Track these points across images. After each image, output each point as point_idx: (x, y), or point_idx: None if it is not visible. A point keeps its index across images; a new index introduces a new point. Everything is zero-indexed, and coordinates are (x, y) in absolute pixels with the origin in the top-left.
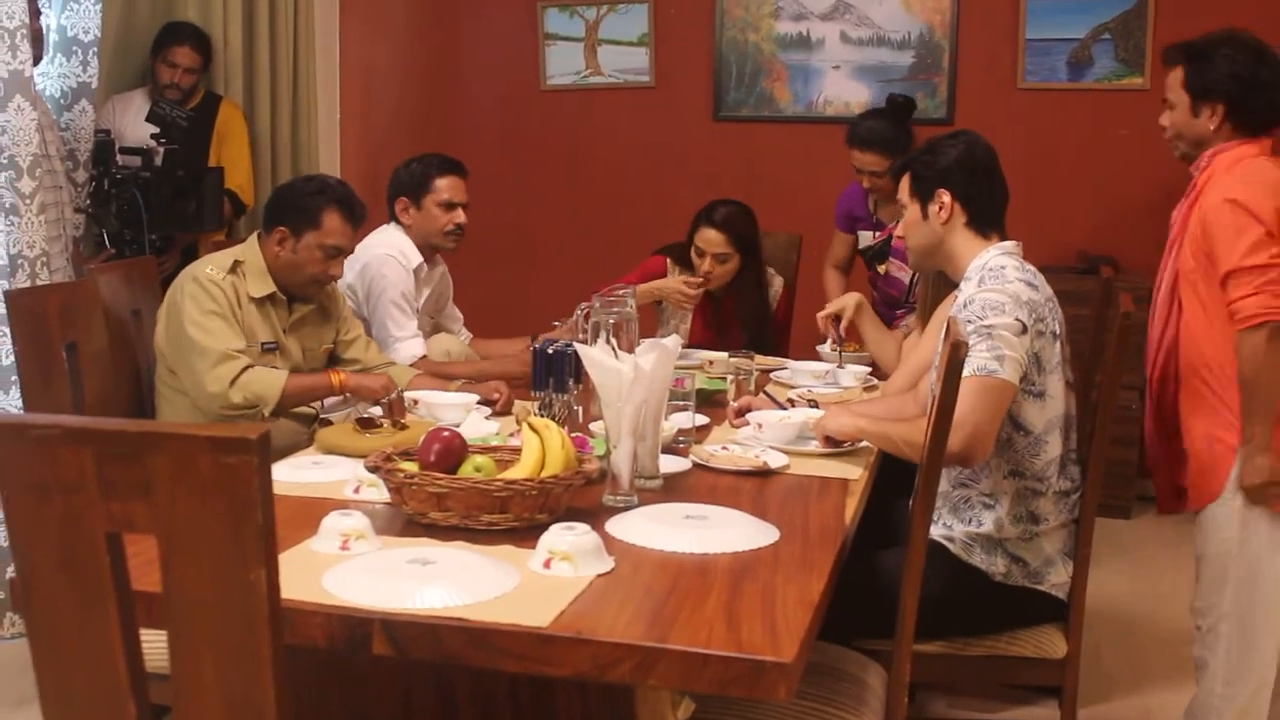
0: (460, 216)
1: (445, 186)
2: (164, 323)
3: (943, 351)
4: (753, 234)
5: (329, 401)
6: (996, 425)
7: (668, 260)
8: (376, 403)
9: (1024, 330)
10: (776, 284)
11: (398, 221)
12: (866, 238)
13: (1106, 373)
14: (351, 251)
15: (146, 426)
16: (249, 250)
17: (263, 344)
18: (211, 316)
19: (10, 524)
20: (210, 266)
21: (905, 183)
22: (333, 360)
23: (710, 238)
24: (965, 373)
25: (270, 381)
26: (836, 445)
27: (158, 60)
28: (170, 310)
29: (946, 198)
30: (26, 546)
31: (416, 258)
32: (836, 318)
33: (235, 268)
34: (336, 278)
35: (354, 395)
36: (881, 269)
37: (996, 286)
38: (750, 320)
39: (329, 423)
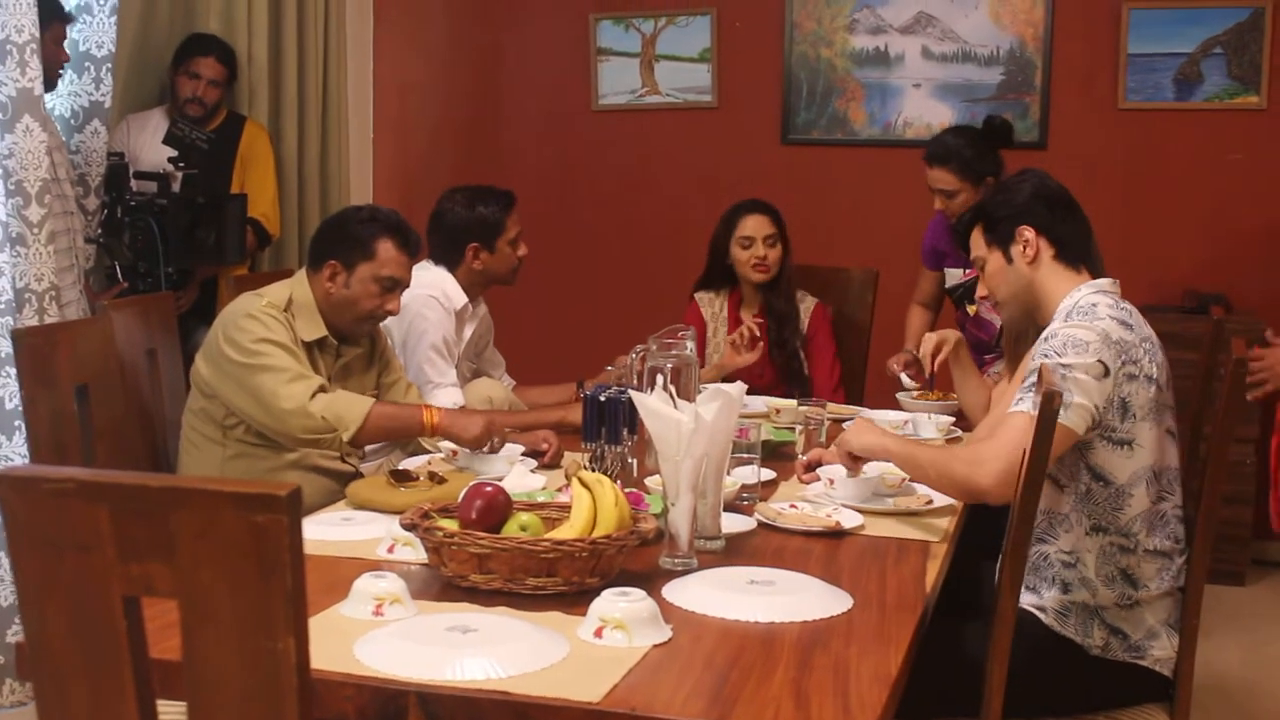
0: (524, 249)
1: (514, 223)
2: (211, 350)
3: (1033, 397)
4: (784, 219)
5: (368, 448)
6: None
7: (697, 303)
8: (479, 449)
9: (1106, 373)
10: (808, 302)
11: (453, 264)
12: (954, 275)
13: (1217, 424)
14: (408, 285)
15: (168, 481)
16: (299, 287)
17: None
18: (277, 346)
19: (20, 585)
20: (267, 300)
21: (979, 235)
22: None
23: (758, 222)
24: (1022, 407)
25: (353, 402)
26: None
27: (178, 72)
28: (223, 338)
29: (1030, 234)
30: (37, 609)
31: (461, 298)
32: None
33: (288, 307)
34: (393, 313)
35: (447, 439)
36: (971, 310)
37: (1084, 323)
38: (777, 332)
39: (360, 475)
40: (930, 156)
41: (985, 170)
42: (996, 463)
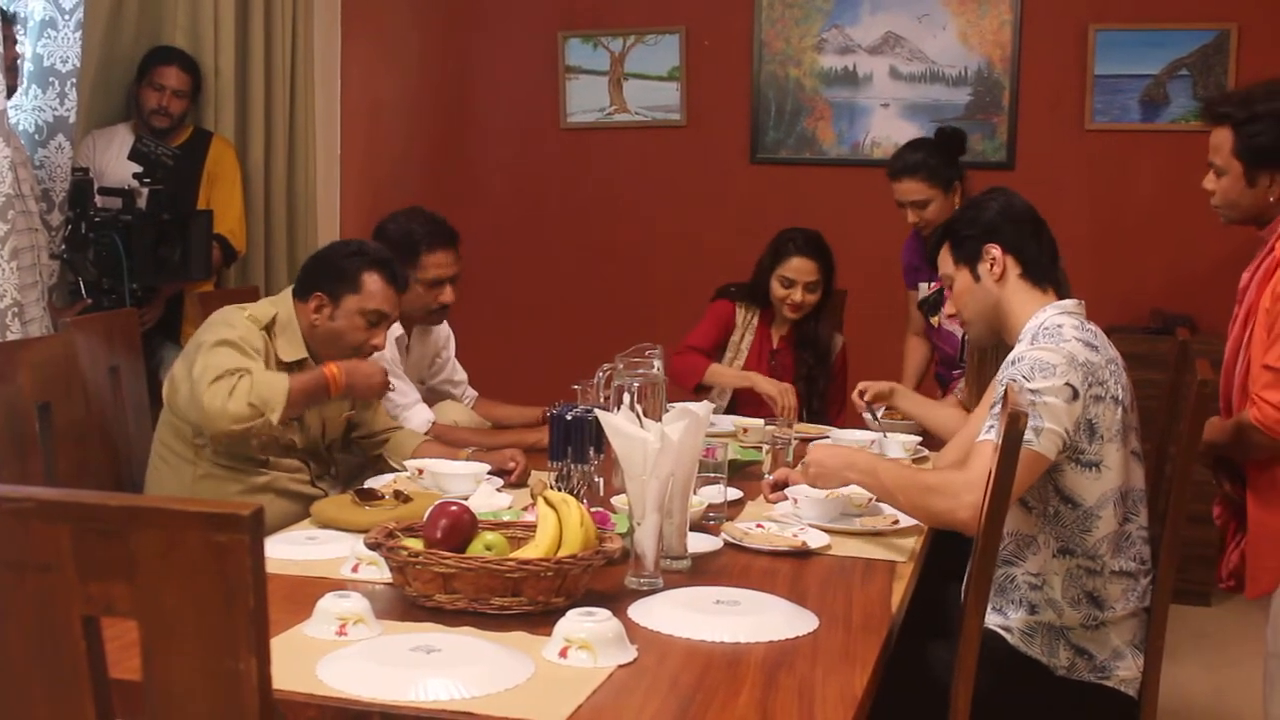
0: (449, 296)
1: (436, 263)
2: (182, 364)
3: (999, 425)
4: (833, 259)
5: (332, 470)
6: (1013, 497)
7: (735, 306)
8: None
9: (1075, 396)
10: (837, 341)
11: None
12: (923, 289)
13: (1182, 444)
14: (395, 320)
15: (129, 500)
16: (283, 306)
17: None
18: (231, 347)
19: None
20: (249, 313)
21: (946, 253)
22: (350, 427)
23: (802, 266)
24: (993, 435)
25: (273, 383)
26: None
27: (142, 85)
28: (193, 346)
29: (996, 251)
30: None
31: (398, 328)
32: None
33: (270, 326)
34: (379, 348)
35: (352, 390)
36: (935, 321)
37: (1050, 345)
38: (810, 367)
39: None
40: (896, 170)
41: (951, 175)
42: (971, 494)
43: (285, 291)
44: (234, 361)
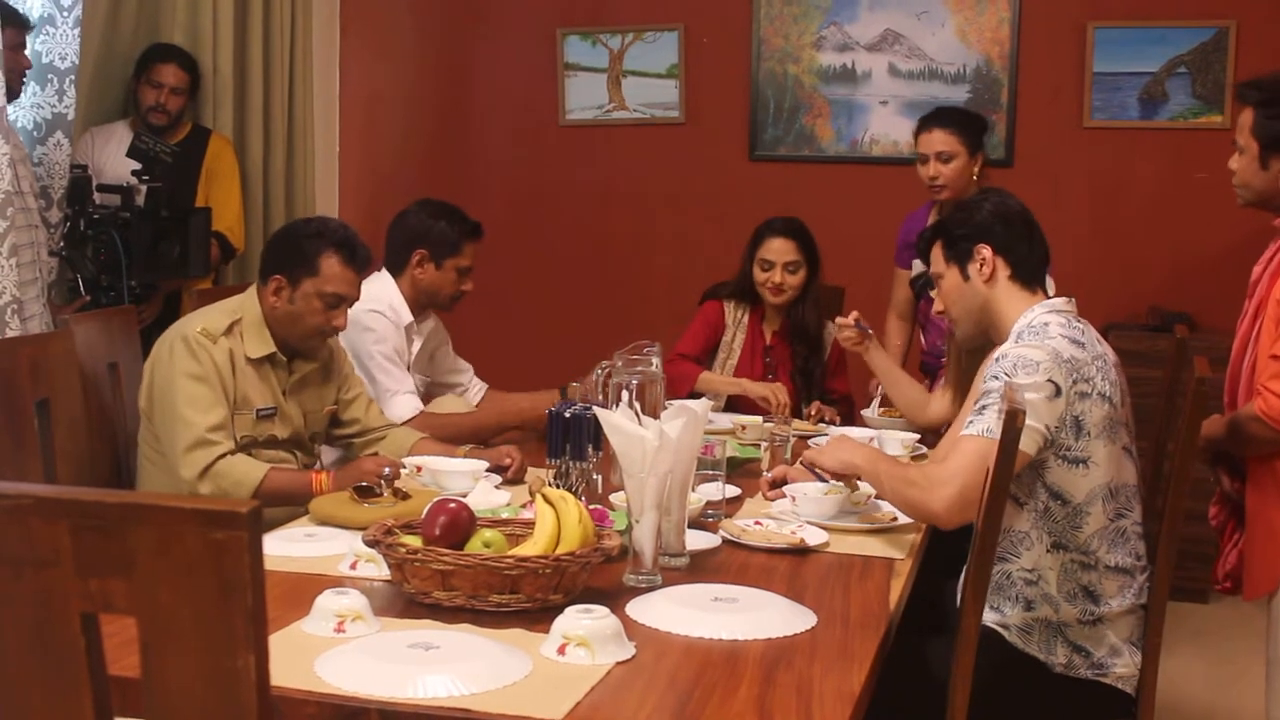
0: (470, 285)
1: (470, 253)
2: (148, 381)
3: (999, 422)
4: (815, 244)
5: (327, 459)
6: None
7: (723, 304)
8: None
9: (1057, 393)
10: (829, 330)
11: (398, 268)
12: (917, 265)
13: (1179, 442)
14: (356, 299)
15: (127, 497)
16: (247, 303)
17: (258, 410)
18: (196, 382)
19: None
20: (202, 326)
21: (938, 251)
22: (334, 423)
23: (779, 246)
24: (973, 430)
25: (240, 479)
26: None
27: (141, 82)
28: (157, 368)
29: (987, 252)
30: None
31: (406, 314)
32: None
33: (231, 328)
34: (340, 329)
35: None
36: (933, 294)
37: (1035, 343)
38: (805, 359)
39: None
40: (931, 118)
41: (977, 144)
42: (946, 488)
43: (252, 287)
44: (211, 408)
